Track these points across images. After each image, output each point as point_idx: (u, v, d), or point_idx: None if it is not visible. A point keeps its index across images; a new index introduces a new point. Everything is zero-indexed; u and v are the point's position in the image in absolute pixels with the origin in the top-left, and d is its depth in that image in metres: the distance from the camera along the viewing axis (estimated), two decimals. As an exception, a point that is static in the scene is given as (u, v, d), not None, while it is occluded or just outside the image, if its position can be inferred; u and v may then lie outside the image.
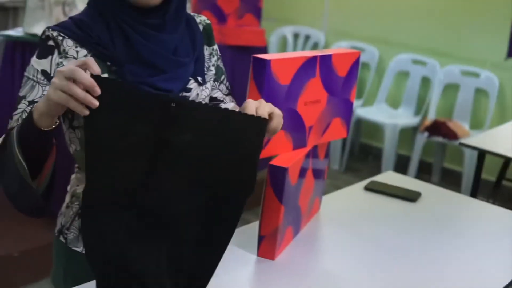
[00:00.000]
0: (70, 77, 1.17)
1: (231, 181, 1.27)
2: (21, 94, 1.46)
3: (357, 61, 1.80)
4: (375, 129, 5.27)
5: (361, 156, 5.51)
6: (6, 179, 1.37)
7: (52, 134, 1.31)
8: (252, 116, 1.27)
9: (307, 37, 5.92)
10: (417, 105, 5.16)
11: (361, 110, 5.14)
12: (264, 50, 4.26)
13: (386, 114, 5.14)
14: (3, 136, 1.39)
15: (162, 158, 1.24)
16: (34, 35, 3.65)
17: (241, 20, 4.21)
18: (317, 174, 1.85)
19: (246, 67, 4.35)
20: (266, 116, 1.29)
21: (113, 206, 1.26)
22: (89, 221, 1.28)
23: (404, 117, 5.11)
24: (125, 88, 1.25)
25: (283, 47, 6.02)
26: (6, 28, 5.48)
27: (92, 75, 1.18)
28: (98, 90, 1.17)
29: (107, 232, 1.27)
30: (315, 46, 5.75)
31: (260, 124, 1.26)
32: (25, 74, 1.48)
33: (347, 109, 1.84)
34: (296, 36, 6.02)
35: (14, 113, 1.45)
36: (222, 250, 1.31)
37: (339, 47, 5.31)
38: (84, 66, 1.19)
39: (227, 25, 4.22)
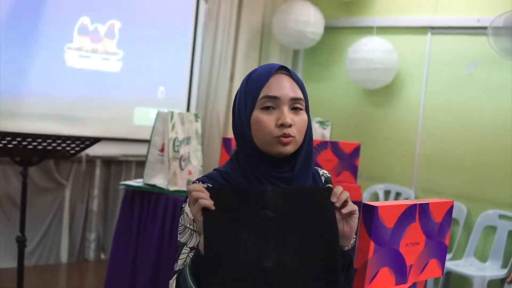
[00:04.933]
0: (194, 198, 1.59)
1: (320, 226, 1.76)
2: (182, 240, 1.77)
3: (450, 209, 2.03)
4: (464, 281, 5.34)
5: (450, 308, 5.56)
6: None
7: None
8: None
9: (397, 194, 6.16)
10: (505, 258, 5.25)
11: (450, 263, 5.24)
12: (359, 205, 4.42)
13: (475, 267, 5.23)
14: (174, 277, 1.72)
15: (269, 232, 1.63)
16: (153, 186, 3.90)
17: (339, 177, 4.49)
18: (416, 309, 2.08)
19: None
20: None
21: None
22: None
23: (492, 269, 5.19)
24: (232, 189, 1.71)
25: (374, 203, 6.21)
26: (119, 180, 5.93)
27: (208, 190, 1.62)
28: (207, 196, 1.60)
29: None
30: (405, 203, 5.94)
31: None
32: (181, 222, 1.80)
33: (442, 251, 2.08)
34: (387, 193, 6.26)
35: (179, 257, 1.75)
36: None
37: (427, 202, 5.50)
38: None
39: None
